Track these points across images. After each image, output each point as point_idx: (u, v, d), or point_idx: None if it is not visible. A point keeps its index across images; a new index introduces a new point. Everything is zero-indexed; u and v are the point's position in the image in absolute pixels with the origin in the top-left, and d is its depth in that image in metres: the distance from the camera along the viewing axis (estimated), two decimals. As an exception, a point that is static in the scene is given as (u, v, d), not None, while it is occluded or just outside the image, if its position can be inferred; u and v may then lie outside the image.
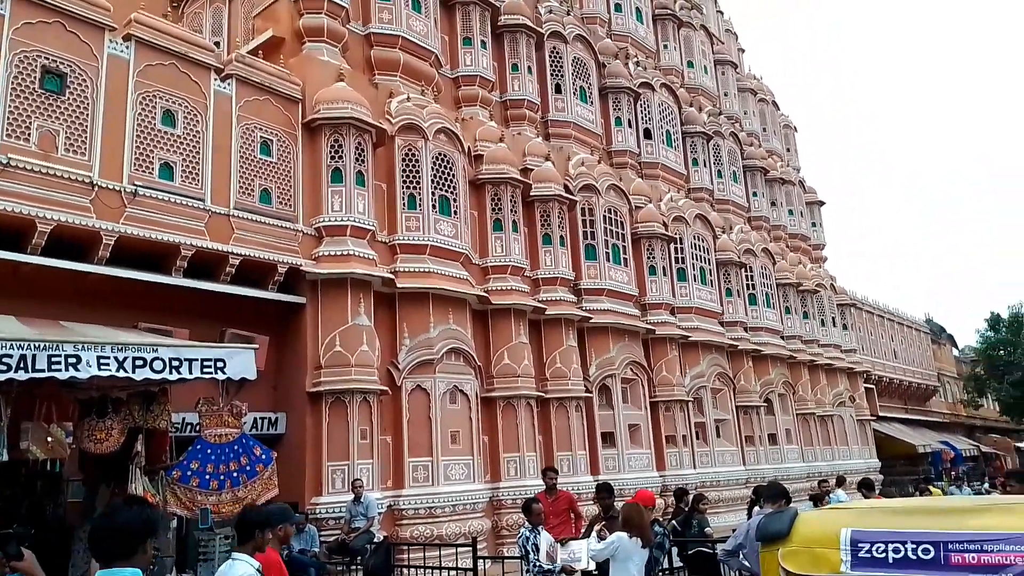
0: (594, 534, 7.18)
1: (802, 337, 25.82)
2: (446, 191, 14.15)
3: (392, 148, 13.67)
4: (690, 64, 26.04)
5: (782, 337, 24.56)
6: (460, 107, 16.26)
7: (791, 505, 4.85)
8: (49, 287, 9.46)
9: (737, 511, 19.20)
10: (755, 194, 26.90)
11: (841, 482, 13.96)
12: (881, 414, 32.01)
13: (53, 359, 6.77)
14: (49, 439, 7.16)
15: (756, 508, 10.21)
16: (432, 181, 13.93)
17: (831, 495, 12.67)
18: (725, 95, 27.95)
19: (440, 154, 14.19)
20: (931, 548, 2.87)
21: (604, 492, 7.41)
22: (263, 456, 8.56)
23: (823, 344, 27.14)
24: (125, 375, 7.24)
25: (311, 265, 12.01)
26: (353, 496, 10.86)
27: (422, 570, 10.18)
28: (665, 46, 25.21)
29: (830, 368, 27.07)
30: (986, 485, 13.36)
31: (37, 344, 6.73)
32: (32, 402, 7.40)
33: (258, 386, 11.65)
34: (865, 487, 9.97)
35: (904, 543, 2.92)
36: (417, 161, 13.85)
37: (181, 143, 10.79)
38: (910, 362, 39.27)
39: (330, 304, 12.10)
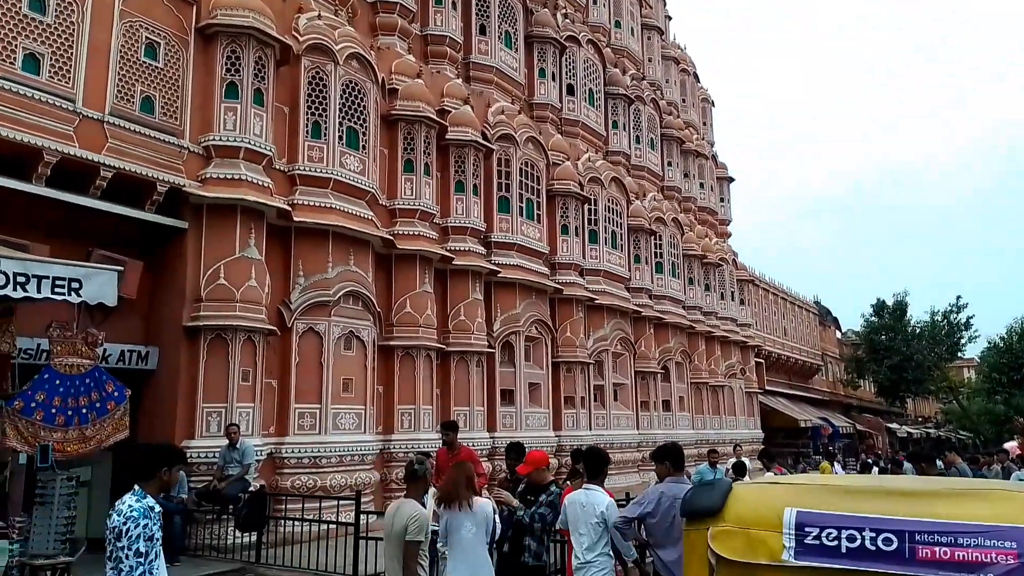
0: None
1: (702, 308, 26.26)
2: (355, 123, 13.14)
3: (298, 69, 12.51)
4: (617, 24, 25.54)
5: (684, 307, 24.85)
6: (376, 35, 15.14)
7: (722, 477, 4.46)
8: None
9: (628, 474, 19.44)
10: (670, 164, 26.94)
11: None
12: (768, 388, 33.26)
13: None
14: None
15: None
16: (340, 110, 12.88)
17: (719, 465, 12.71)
18: (649, 61, 27.68)
19: (351, 82, 13.13)
20: (894, 538, 2.40)
21: (512, 453, 6.86)
22: (115, 393, 7.59)
23: (721, 317, 27.73)
24: (-46, 288, 6.17)
25: (196, 187, 10.85)
26: (228, 441, 10.00)
27: (301, 522, 9.50)
28: (595, 1, 24.57)
29: (725, 340, 27.73)
30: (880, 463, 13.51)
31: None
32: None
33: (129, 316, 10.62)
34: (766, 457, 9.80)
35: (861, 530, 2.45)
36: (325, 86, 12.75)
37: (52, 33, 9.36)
38: (798, 340, 41.00)
39: (216, 232, 11.00)
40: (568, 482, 6.67)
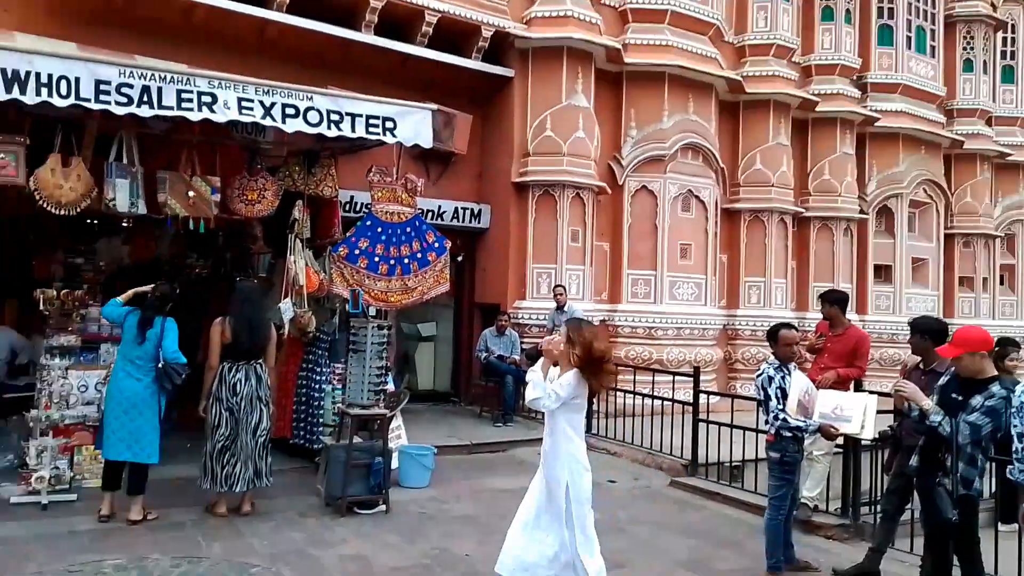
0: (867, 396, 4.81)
1: None
2: (695, -60, 10.98)
3: None
4: None
5: None
6: None
7: None
8: (228, 36, 8.37)
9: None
10: None
11: None
12: None
13: (184, 96, 5.51)
14: (190, 193, 6.13)
15: None
16: (680, -74, 10.80)
17: None
18: None
19: None
20: None
21: (923, 331, 4.71)
22: (436, 244, 7.06)
23: None
24: (272, 124, 5.89)
25: (521, 29, 9.90)
26: (556, 304, 9.30)
27: (633, 395, 8.52)
28: None
29: None
30: None
31: (164, 75, 5.48)
32: (168, 150, 6.39)
33: (461, 173, 10.34)
34: None
35: None
36: (661, -103, 10.72)
37: None
38: None
39: (542, 79, 10.03)
40: None
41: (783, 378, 4.74)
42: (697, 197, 11.08)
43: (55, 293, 5.98)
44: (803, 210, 12.52)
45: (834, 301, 6.27)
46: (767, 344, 9.38)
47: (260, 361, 5.47)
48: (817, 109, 12.52)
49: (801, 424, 4.62)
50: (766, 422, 4.83)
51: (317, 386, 6.74)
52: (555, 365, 3.93)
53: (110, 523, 5.12)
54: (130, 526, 5.06)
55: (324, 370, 6.71)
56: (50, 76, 5.04)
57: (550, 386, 3.81)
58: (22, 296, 6.92)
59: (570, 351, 3.79)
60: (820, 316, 8.75)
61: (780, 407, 4.64)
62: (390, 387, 6.52)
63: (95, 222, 8.06)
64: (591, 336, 3.81)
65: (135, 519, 5.11)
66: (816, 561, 5.17)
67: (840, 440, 5.72)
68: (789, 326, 4.97)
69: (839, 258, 12.71)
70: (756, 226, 11.95)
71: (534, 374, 3.89)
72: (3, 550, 4.54)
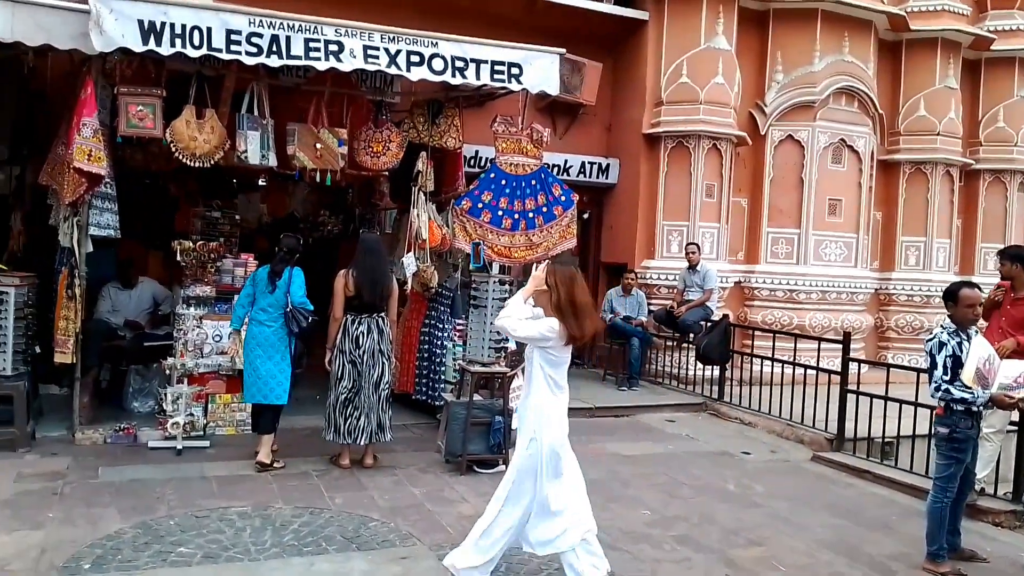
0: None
1: None
2: None
3: None
4: None
5: None
6: None
7: None
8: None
9: None
10: None
11: None
12: None
13: (311, 45, 5.50)
14: (318, 145, 6.11)
15: None
16: None
17: None
18: None
19: None
20: None
21: None
22: (563, 197, 6.74)
23: None
24: (397, 72, 5.79)
25: (652, -33, 9.28)
26: (688, 264, 8.78)
27: (772, 362, 7.92)
28: None
29: None
30: None
31: (292, 24, 5.45)
32: (298, 103, 6.38)
33: (590, 126, 9.94)
34: None
35: None
36: None
37: None
38: None
39: (678, 20, 9.36)
40: None
41: (959, 344, 4.11)
42: (850, 147, 10.10)
43: (191, 244, 6.18)
44: (972, 162, 11.21)
45: (1015, 258, 5.41)
46: (924, 311, 8.51)
47: (383, 314, 5.42)
48: (992, 48, 11.10)
49: (968, 396, 3.99)
50: (933, 394, 4.23)
51: (439, 342, 6.66)
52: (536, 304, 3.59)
53: (241, 470, 5.27)
54: (258, 473, 5.18)
55: (446, 326, 6.61)
56: (183, 27, 5.13)
57: (533, 323, 3.45)
58: (166, 249, 7.23)
59: (550, 296, 3.44)
60: (986, 281, 7.88)
61: (945, 377, 4.03)
62: (512, 346, 6.32)
63: (235, 180, 8.37)
64: (570, 280, 3.45)
65: (264, 461, 5.23)
66: (982, 550, 4.57)
67: (1015, 416, 5.03)
68: (972, 285, 4.29)
69: (1012, 216, 11.35)
70: (918, 179, 10.80)
71: (513, 299, 3.57)
72: (139, 492, 4.74)
